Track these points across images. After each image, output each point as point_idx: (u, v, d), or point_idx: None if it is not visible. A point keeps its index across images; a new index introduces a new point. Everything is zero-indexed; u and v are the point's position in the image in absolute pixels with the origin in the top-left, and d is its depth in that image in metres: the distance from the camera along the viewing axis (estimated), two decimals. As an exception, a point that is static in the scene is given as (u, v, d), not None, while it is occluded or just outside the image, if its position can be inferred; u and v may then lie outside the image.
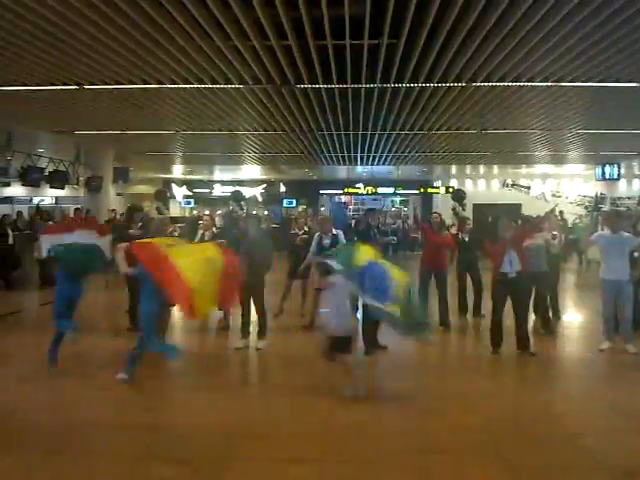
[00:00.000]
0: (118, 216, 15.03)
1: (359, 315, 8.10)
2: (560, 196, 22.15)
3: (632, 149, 14.80)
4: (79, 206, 15.79)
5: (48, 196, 19.13)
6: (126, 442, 4.22)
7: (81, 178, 15.64)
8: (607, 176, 16.78)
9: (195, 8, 5.18)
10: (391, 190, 24.40)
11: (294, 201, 24.90)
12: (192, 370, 6.20)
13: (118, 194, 18.89)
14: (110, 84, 7.77)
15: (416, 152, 15.53)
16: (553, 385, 5.83)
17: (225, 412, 4.82)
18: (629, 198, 20.38)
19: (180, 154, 16.52)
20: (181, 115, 10.20)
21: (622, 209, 16.55)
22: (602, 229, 7.51)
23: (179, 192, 25.74)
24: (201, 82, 7.73)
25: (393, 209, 25.04)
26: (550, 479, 3.76)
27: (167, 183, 24.84)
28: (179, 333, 7.87)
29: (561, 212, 16.47)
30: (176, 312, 7.82)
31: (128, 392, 5.34)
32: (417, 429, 4.49)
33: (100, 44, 6.12)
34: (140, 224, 7.89)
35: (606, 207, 19.76)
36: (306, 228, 8.86)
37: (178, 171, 22.56)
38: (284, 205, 25.17)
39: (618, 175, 16.86)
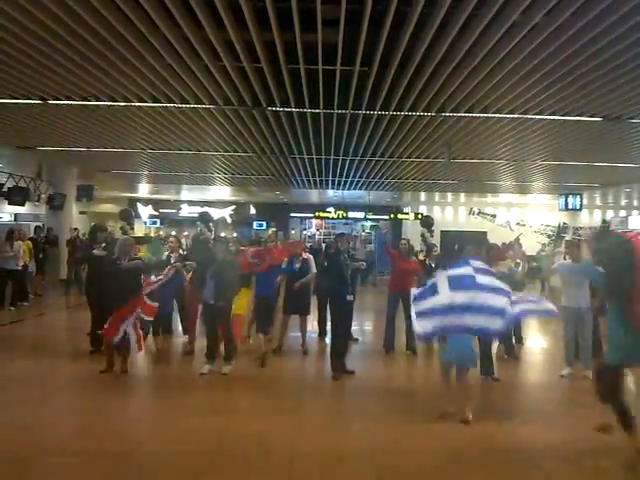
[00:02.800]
0: (80, 235, 14.61)
1: (328, 340, 8.04)
2: (524, 225, 22.67)
3: (594, 181, 15.29)
4: (40, 224, 15.28)
5: (7, 213, 18.57)
6: (85, 471, 3.99)
7: (43, 195, 15.13)
8: (570, 206, 17.25)
9: (166, 27, 5.13)
10: (362, 215, 24.59)
11: (264, 224, 24.79)
12: (155, 396, 5.99)
13: (81, 212, 18.40)
14: (75, 100, 7.58)
15: (386, 178, 15.70)
16: (516, 410, 5.84)
17: (189, 440, 4.62)
18: (590, 228, 21.03)
19: (147, 173, 16.24)
20: (148, 134, 10.03)
21: (584, 238, 16.98)
22: (564, 258, 7.64)
23: (145, 212, 25.32)
24: (170, 101, 7.62)
25: (363, 234, 25.20)
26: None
27: (132, 202, 24.40)
28: (142, 358, 7.58)
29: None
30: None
31: (88, 417, 5.09)
32: (378, 453, 4.44)
33: (66, 59, 5.98)
34: (104, 244, 7.66)
35: (568, 236, 20.31)
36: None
37: (144, 190, 22.18)
38: (254, 227, 25.01)
39: (580, 205, 17.34)
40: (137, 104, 7.76)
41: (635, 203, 20.43)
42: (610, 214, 21.71)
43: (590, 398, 5.99)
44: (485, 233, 20.87)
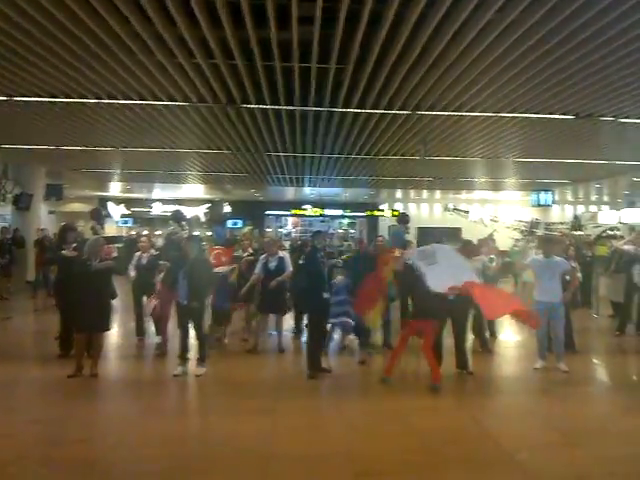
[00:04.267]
0: (51, 235, 14.22)
1: (304, 338, 8.00)
2: (498, 221, 23.01)
3: (565, 177, 15.57)
4: (6, 224, 14.79)
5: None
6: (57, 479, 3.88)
7: (9, 195, 14.64)
8: (542, 202, 17.51)
9: (138, 23, 5.00)
10: (339, 212, 24.60)
11: (239, 222, 24.54)
12: (126, 399, 5.85)
13: (50, 212, 17.93)
14: (43, 97, 7.35)
15: (363, 176, 15.71)
16: (490, 403, 5.93)
17: (162, 444, 4.53)
18: (561, 223, 21.47)
19: (118, 171, 15.93)
20: (120, 132, 9.82)
21: (556, 234, 17.33)
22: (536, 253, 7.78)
23: (116, 211, 24.80)
24: (143, 98, 7.47)
25: (340, 231, 25.16)
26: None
27: (104, 201, 23.90)
28: (114, 359, 7.43)
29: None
30: (110, 338, 7.48)
31: (59, 423, 4.94)
32: (355, 451, 4.44)
33: (34, 55, 5.80)
34: (74, 245, 7.46)
35: (540, 231, 20.68)
36: (250, 250, 8.67)
37: (116, 189, 21.74)
38: (229, 226, 24.72)
39: (552, 201, 17.63)
40: (108, 101, 7.58)
41: (605, 199, 20.91)
42: (581, 209, 22.19)
43: (563, 389, 6.20)
44: (460, 229, 21.12)
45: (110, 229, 23.15)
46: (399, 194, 22.27)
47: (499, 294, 6.50)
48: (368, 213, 23.18)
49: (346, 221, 26.97)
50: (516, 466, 4.21)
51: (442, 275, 6.17)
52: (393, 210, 22.27)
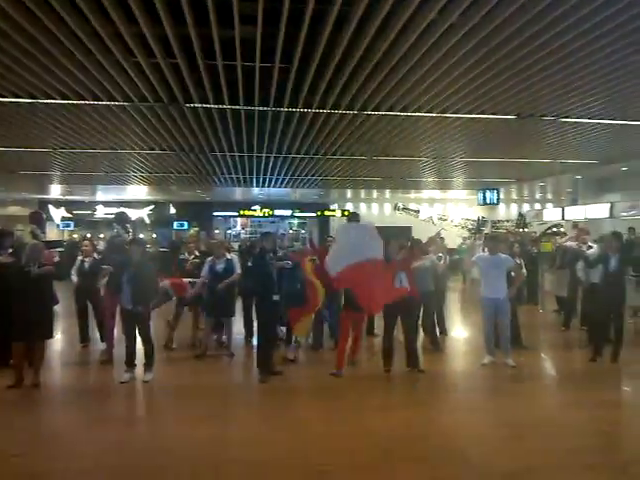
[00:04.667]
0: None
1: (255, 341, 7.90)
2: (446, 219, 23.54)
3: (510, 176, 16.05)
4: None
5: None
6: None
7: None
8: (488, 201, 17.98)
9: (72, 19, 4.77)
10: (288, 212, 24.48)
11: (185, 223, 23.97)
12: (70, 409, 5.61)
13: (-16, 216, 17.04)
14: (-29, 95, 6.93)
15: (312, 176, 15.68)
16: (440, 400, 6.03)
17: (109, 453, 4.36)
18: (507, 221, 22.18)
19: (58, 173, 15.25)
20: (58, 132, 9.38)
21: (501, 231, 17.89)
22: (483, 250, 7.98)
23: (57, 214, 23.82)
24: (81, 98, 7.16)
25: (290, 232, 25.06)
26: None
27: (44, 204, 22.90)
28: (57, 368, 7.11)
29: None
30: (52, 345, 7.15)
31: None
32: (309, 453, 4.41)
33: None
34: (10, 250, 7.07)
35: (487, 229, 21.29)
36: (197, 252, 8.48)
37: (56, 191, 20.84)
38: (174, 228, 24.11)
39: (498, 200, 18.15)
40: (44, 101, 7.23)
41: (549, 196, 21.75)
42: (526, 207, 23.00)
43: (510, 385, 6.37)
44: (410, 228, 21.48)
45: (51, 233, 22.24)
46: (349, 194, 22.41)
47: (378, 280, 6.32)
48: (319, 213, 23.19)
49: (296, 222, 26.92)
50: (467, 461, 4.29)
51: (339, 255, 6.30)
52: (344, 210, 22.39)
